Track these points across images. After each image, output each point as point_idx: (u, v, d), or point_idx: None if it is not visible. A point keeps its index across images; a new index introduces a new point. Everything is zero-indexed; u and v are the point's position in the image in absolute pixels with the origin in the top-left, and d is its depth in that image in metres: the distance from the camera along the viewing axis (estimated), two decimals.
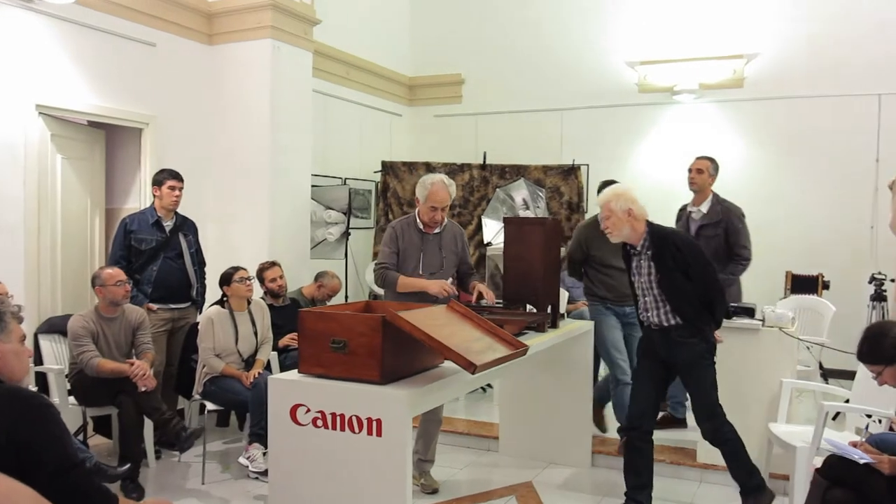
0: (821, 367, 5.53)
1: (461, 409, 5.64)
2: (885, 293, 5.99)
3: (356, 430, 2.70)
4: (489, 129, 8.26)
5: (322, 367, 2.81)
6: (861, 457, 2.84)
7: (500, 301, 4.26)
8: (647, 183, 7.01)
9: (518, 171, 7.56)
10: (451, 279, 4.17)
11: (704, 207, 4.98)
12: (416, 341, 2.68)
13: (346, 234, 6.77)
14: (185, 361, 4.83)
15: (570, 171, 7.44)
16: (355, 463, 2.71)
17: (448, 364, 2.91)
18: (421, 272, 4.06)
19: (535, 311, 4.13)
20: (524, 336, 3.79)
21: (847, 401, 4.28)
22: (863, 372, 4.06)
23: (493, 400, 5.66)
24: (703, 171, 4.98)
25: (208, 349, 4.52)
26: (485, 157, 7.69)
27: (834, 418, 4.84)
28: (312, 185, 6.52)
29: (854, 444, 2.96)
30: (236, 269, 4.68)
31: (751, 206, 7.11)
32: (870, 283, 6.16)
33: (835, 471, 2.93)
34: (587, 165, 7.47)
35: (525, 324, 3.78)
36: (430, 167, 7.61)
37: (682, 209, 5.16)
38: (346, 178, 7.36)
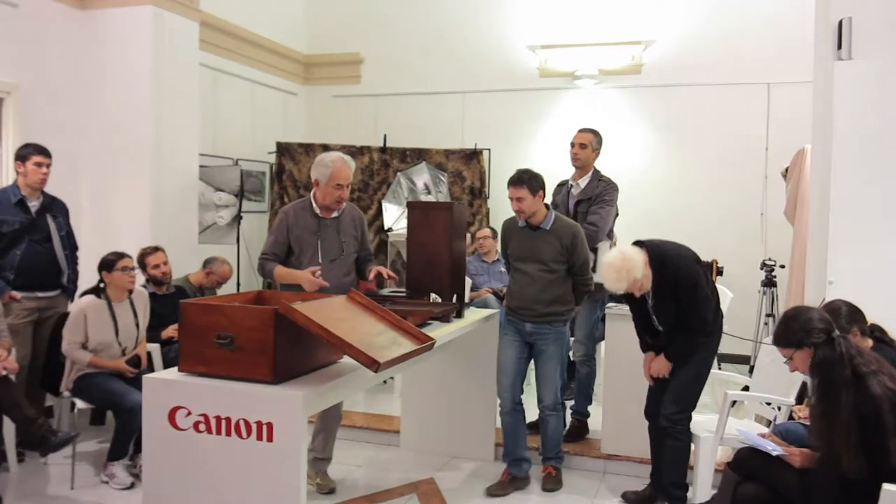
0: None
1: (360, 402, 5.39)
2: (775, 279, 6.14)
3: (244, 434, 2.43)
4: (389, 111, 7.98)
5: (205, 364, 2.52)
6: (774, 448, 2.80)
7: (403, 290, 4.04)
8: (548, 167, 6.84)
9: (419, 155, 7.35)
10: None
11: (583, 182, 4.67)
12: (313, 336, 2.42)
13: (237, 218, 6.37)
14: (53, 355, 4.37)
15: (473, 156, 7.29)
16: (243, 471, 2.44)
17: (348, 359, 2.66)
18: (320, 259, 3.78)
19: (440, 300, 3.94)
20: (428, 327, 3.59)
21: (746, 388, 4.33)
22: (764, 359, 4.10)
23: (394, 391, 5.45)
24: (586, 146, 4.66)
25: (74, 343, 4.06)
26: (385, 140, 7.43)
27: (731, 405, 4.89)
28: (201, 166, 6.09)
29: (763, 436, 2.93)
30: (120, 255, 4.18)
31: (648, 192, 7.29)
32: (761, 269, 6.30)
33: (746, 464, 2.89)
34: (489, 150, 7.34)
35: (431, 314, 3.58)
36: (327, 149, 7.22)
37: (562, 184, 4.84)
38: (237, 159, 6.95)
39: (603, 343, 5.49)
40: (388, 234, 6.92)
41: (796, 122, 6.55)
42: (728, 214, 7.08)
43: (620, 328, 4.42)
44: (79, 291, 4.53)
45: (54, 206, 4.53)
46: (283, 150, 7.26)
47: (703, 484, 3.74)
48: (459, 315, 3.92)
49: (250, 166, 7.14)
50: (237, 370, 2.47)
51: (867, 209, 3.86)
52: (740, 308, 5.87)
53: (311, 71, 8.31)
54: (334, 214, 3.86)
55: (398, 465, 4.47)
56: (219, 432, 2.45)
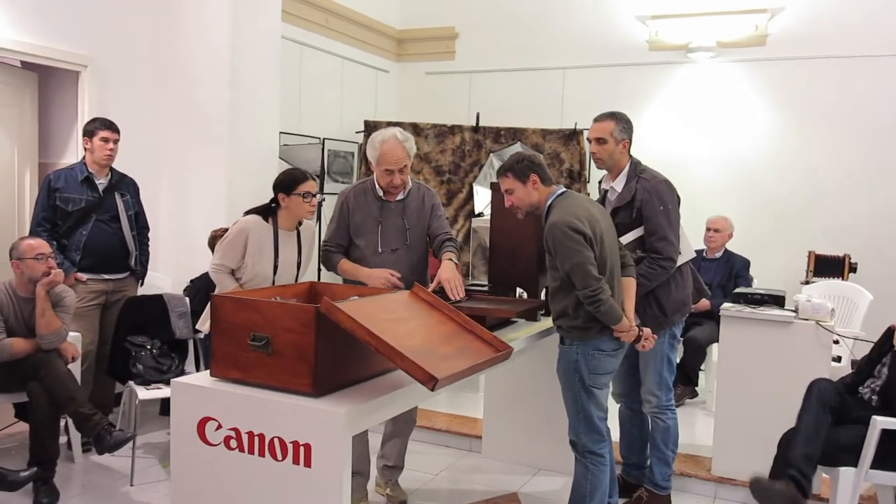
0: (853, 364, 4.86)
1: (442, 399, 4.96)
2: None
3: (279, 456, 2.03)
4: (483, 89, 7.50)
5: (239, 370, 2.14)
6: None
7: (484, 283, 3.58)
8: (658, 151, 6.27)
9: (514, 135, 6.84)
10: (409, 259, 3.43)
11: (619, 185, 3.47)
12: (362, 341, 1.99)
13: (319, 201, 6.06)
14: (119, 341, 4.16)
15: (572, 136, 6.72)
16: (277, 499, 2.05)
17: None
18: (380, 249, 3.34)
19: (525, 296, 3.45)
20: (511, 326, 3.12)
21: None
22: None
23: (478, 389, 4.99)
24: (605, 141, 3.41)
25: (225, 266, 3.32)
26: (478, 119, 6.95)
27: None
28: (283, 144, 5.81)
29: None
30: (304, 176, 3.39)
31: (773, 179, 6.55)
32: None
33: None
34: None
35: (514, 313, 3.10)
36: (417, 128, 6.89)
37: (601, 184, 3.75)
38: (324, 139, 6.64)
39: (715, 347, 4.91)
40: (475, 219, 6.46)
41: None
42: (866, 203, 6.22)
43: (736, 331, 3.86)
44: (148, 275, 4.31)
45: (123, 184, 4.31)
46: (371, 129, 6.90)
47: None
48: (548, 312, 3.40)
49: (337, 146, 6.84)
50: (274, 378, 2.08)
51: None
52: (878, 310, 5.08)
53: (403, 46, 7.93)
54: (399, 197, 3.40)
55: (478, 477, 4.03)
56: (251, 451, 2.07)
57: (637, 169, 3.47)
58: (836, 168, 6.33)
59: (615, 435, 3.55)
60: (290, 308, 2.08)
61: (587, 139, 3.61)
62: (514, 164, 3.05)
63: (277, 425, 2.03)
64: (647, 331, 3.05)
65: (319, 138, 6.57)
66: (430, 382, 1.89)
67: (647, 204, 3.36)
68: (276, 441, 2.03)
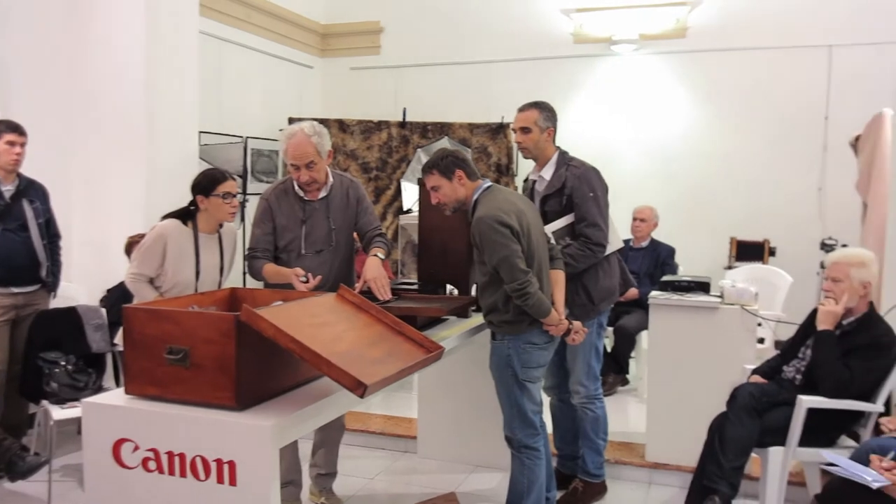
0: (776, 345, 5.00)
1: (376, 401, 4.89)
2: None
3: (201, 476, 1.93)
4: (410, 84, 7.42)
5: (156, 386, 2.02)
6: (875, 479, 2.23)
7: (413, 282, 3.52)
8: (584, 142, 6.31)
9: (441, 130, 6.80)
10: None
11: (547, 173, 3.47)
12: (286, 349, 1.91)
13: (242, 201, 5.89)
14: (31, 358, 3.92)
15: (499, 130, 6.72)
16: None
17: None
18: (304, 251, 3.22)
19: (456, 293, 3.40)
20: (441, 325, 3.07)
21: None
22: None
23: (412, 389, 4.93)
24: (529, 130, 3.42)
25: (142, 275, 3.15)
26: (404, 114, 6.89)
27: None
28: (203, 144, 5.61)
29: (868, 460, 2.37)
30: (224, 176, 3.25)
31: (693, 166, 6.68)
32: (821, 249, 5.70)
33: (839, 498, 2.33)
34: None
35: (444, 312, 3.04)
36: (343, 124, 6.79)
37: (526, 179, 3.72)
38: (247, 137, 6.45)
39: (645, 334, 4.97)
40: (403, 217, 6.39)
41: (862, 87, 5.94)
42: (781, 190, 6.43)
43: (664, 318, 3.91)
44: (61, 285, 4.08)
45: (32, 191, 4.06)
46: None
47: (771, 500, 3.19)
48: (479, 308, 3.37)
49: (261, 145, 6.65)
50: (193, 393, 1.97)
51: None
52: (797, 292, 5.26)
53: (327, 42, 7.79)
54: (322, 195, 3.27)
55: (415, 478, 3.97)
56: (171, 472, 1.95)
57: (566, 157, 3.49)
58: (753, 155, 6.52)
59: (549, 428, 3.55)
60: (208, 317, 1.98)
61: (512, 130, 3.60)
62: (438, 161, 3.02)
63: (199, 443, 1.93)
64: (577, 324, 3.05)
65: (242, 137, 6.38)
66: (359, 389, 1.82)
67: (577, 191, 3.38)
68: (199, 460, 1.92)
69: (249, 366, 1.95)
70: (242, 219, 5.99)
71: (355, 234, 3.43)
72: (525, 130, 3.45)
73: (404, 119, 6.86)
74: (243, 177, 5.91)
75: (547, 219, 3.33)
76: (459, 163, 3.01)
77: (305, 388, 2.15)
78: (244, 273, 5.82)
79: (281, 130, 6.67)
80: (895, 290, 3.58)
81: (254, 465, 1.88)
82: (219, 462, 1.90)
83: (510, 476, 3.13)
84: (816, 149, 6.38)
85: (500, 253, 2.82)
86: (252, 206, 6.08)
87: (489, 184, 3.06)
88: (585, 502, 3.60)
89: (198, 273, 3.23)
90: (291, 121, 6.74)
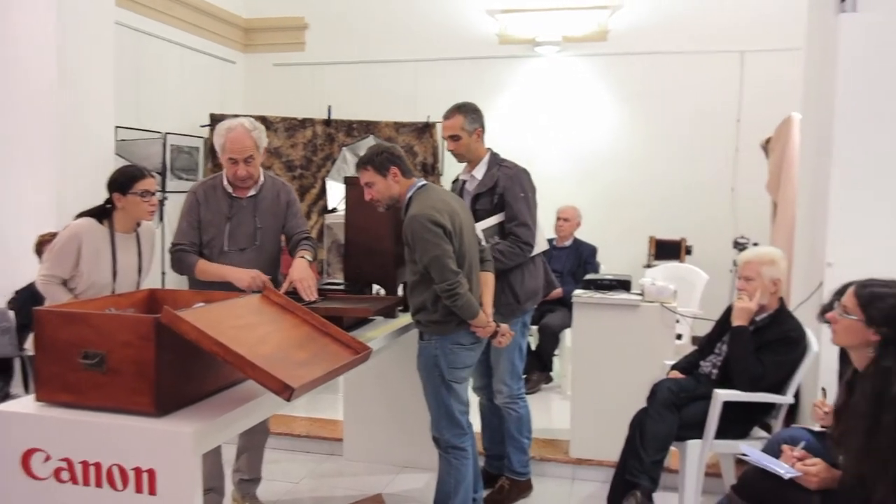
0: (693, 341, 5.17)
1: (301, 404, 4.81)
2: None
3: (119, 485, 1.85)
4: (335, 81, 7.34)
5: (69, 392, 1.93)
6: (787, 471, 2.32)
7: (340, 282, 3.48)
8: (508, 142, 6.37)
9: (367, 128, 6.76)
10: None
11: (479, 173, 3.54)
12: (209, 352, 1.85)
13: (161, 199, 5.71)
14: None
15: (425, 129, 6.73)
16: None
17: None
18: (226, 248, 3.15)
19: (383, 292, 3.39)
20: (369, 325, 3.05)
21: None
22: None
23: (338, 391, 4.88)
24: (458, 136, 3.47)
25: (54, 276, 3.01)
26: (329, 112, 6.82)
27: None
28: (120, 140, 5.41)
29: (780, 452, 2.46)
30: (142, 173, 3.09)
31: (614, 165, 6.84)
32: (734, 247, 5.92)
33: (754, 488, 2.41)
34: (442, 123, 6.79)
35: (371, 312, 3.02)
36: (266, 122, 6.64)
37: (456, 180, 3.76)
38: (166, 133, 6.26)
39: (568, 332, 5.06)
40: (329, 215, 6.32)
41: (770, 91, 6.19)
42: (696, 190, 6.65)
43: (587, 316, 3.99)
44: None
45: None
46: (217, 122, 6.53)
47: (689, 496, 3.29)
48: (406, 309, 3.36)
49: (181, 141, 6.48)
50: (110, 399, 1.89)
51: (871, 180, 3.41)
52: (712, 289, 5.46)
53: (250, 36, 7.63)
54: (251, 193, 3.22)
55: (341, 481, 3.93)
56: (86, 483, 1.87)
57: (497, 158, 3.56)
58: (670, 156, 6.71)
59: (476, 427, 3.57)
60: (125, 320, 1.90)
61: (443, 137, 3.61)
62: (373, 157, 2.99)
63: (116, 452, 1.85)
64: (504, 327, 3.08)
65: (161, 133, 6.20)
66: (286, 392, 1.78)
67: (509, 190, 3.44)
68: (116, 469, 1.85)
69: (170, 370, 1.89)
70: (161, 218, 5.81)
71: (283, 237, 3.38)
72: (454, 138, 3.50)
73: (329, 117, 6.79)
74: (162, 174, 5.74)
75: (477, 217, 3.37)
76: (395, 159, 2.98)
77: (229, 391, 2.09)
78: (163, 274, 5.65)
79: (203, 126, 6.61)
80: (804, 287, 3.74)
81: (174, 472, 1.82)
82: (137, 471, 1.83)
83: (437, 476, 3.13)
84: (729, 150, 6.62)
85: (432, 252, 2.82)
86: (172, 204, 5.95)
87: (423, 182, 3.05)
88: (511, 500, 3.63)
89: (115, 274, 3.10)
90: (213, 117, 6.58)
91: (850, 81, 3.41)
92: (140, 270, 3.23)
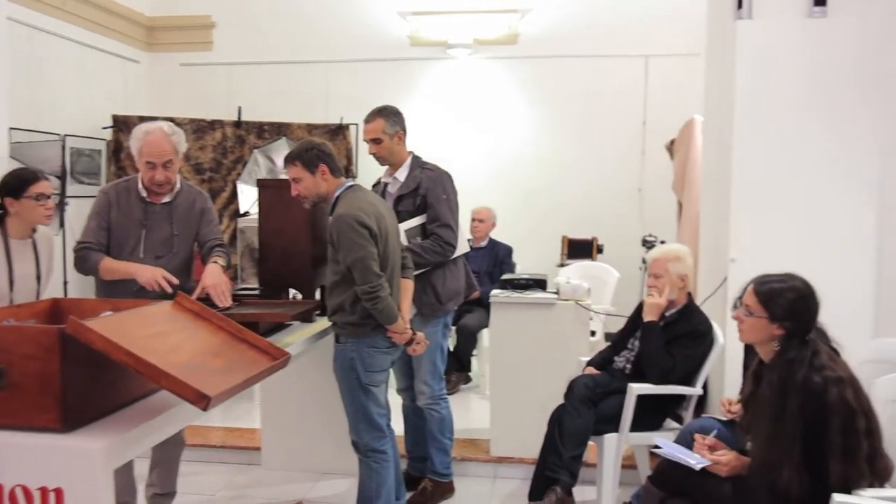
0: (606, 337, 5.31)
1: (216, 413, 4.68)
2: None
3: None
4: (245, 82, 7.17)
5: None
6: (698, 462, 2.41)
7: (255, 287, 3.40)
8: (422, 144, 6.36)
9: (279, 130, 6.64)
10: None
11: (401, 175, 3.56)
12: (119, 363, 1.77)
13: (60, 203, 5.45)
14: None
15: (339, 130, 6.67)
16: None
17: None
18: (142, 255, 3.05)
19: (300, 297, 3.33)
20: (286, 330, 2.99)
21: None
22: None
23: (254, 399, 4.77)
24: (380, 140, 3.48)
25: None
26: (240, 114, 6.66)
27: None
28: (15, 142, 5.12)
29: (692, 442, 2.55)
30: (35, 176, 2.96)
31: (526, 168, 6.95)
32: (642, 245, 6.10)
33: (669, 478, 2.49)
34: (356, 124, 6.74)
35: (288, 317, 2.97)
36: (173, 122, 6.43)
37: (377, 182, 3.75)
38: (65, 135, 5.97)
39: (486, 332, 5.11)
40: (241, 219, 6.18)
41: (674, 95, 6.42)
42: (606, 190, 6.83)
43: (505, 315, 4.04)
44: None
45: None
46: (120, 124, 6.33)
47: (607, 488, 3.37)
48: (324, 313, 3.32)
49: (82, 143, 6.19)
50: (11, 416, 1.78)
51: (768, 179, 3.58)
52: (623, 286, 5.63)
53: (154, 35, 7.36)
54: (166, 199, 3.14)
55: (260, 490, 3.84)
56: None
57: (419, 161, 3.59)
58: (580, 158, 6.86)
59: (400, 430, 3.57)
60: (27, 331, 1.80)
61: (364, 140, 3.61)
62: (302, 153, 2.95)
63: (19, 472, 1.74)
64: (420, 335, 3.09)
65: (59, 135, 5.90)
66: (202, 402, 1.73)
67: (432, 192, 3.47)
68: (19, 490, 1.74)
69: (76, 383, 1.80)
70: (62, 224, 5.55)
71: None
72: (376, 141, 3.50)
73: (239, 118, 6.64)
74: (62, 178, 5.47)
75: (399, 218, 3.37)
76: (325, 157, 2.95)
77: (141, 403, 2.00)
78: (66, 283, 5.41)
79: (105, 129, 6.34)
80: (709, 282, 3.89)
81: (84, 491, 1.73)
82: (43, 491, 1.73)
83: (359, 481, 3.10)
84: (636, 152, 6.83)
85: (356, 253, 2.80)
86: (72, 209, 5.69)
87: (352, 183, 3.04)
88: (434, 502, 3.64)
89: (11, 283, 2.94)
90: (116, 119, 6.34)
91: (748, 85, 3.57)
92: (39, 278, 3.07)
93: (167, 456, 3.27)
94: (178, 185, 3.17)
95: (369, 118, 3.52)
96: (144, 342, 1.83)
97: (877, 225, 3.58)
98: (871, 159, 3.55)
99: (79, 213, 5.99)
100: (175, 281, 2.93)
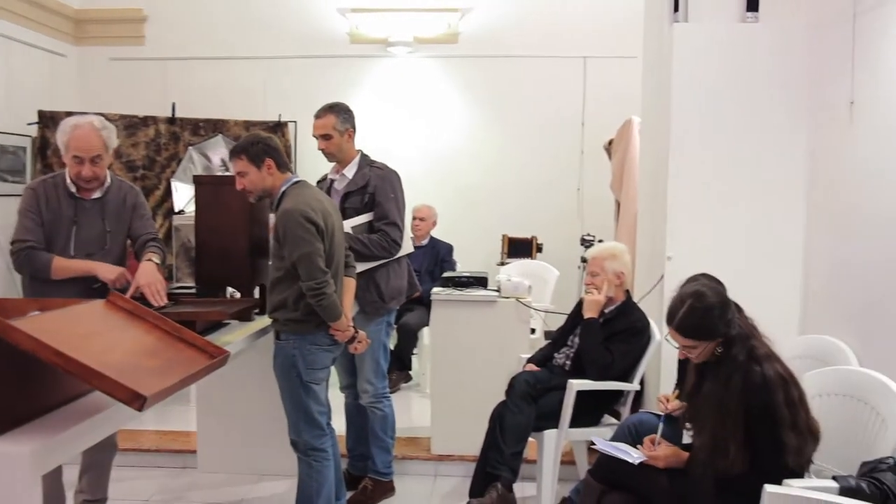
0: (546, 335, 5.36)
1: (149, 417, 4.54)
2: None
3: None
4: (179, 78, 6.99)
5: None
6: (638, 457, 2.46)
7: (189, 286, 3.32)
8: (362, 142, 6.35)
9: (215, 127, 6.48)
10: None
11: (349, 172, 3.55)
12: (48, 364, 1.70)
13: None
14: None
15: (277, 128, 6.55)
16: None
17: None
18: (73, 253, 2.94)
19: (238, 296, 3.26)
20: (223, 329, 2.92)
21: None
22: None
23: (189, 401, 4.65)
24: (330, 136, 3.48)
25: None
26: (174, 110, 6.48)
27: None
28: None
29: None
30: None
31: (466, 167, 6.98)
32: (581, 244, 6.19)
33: (607, 471, 2.53)
34: (295, 122, 6.65)
35: (226, 315, 2.90)
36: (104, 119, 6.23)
37: (323, 178, 3.74)
38: None
39: (426, 331, 5.11)
40: (177, 217, 6.02)
41: (612, 96, 6.53)
42: (545, 190, 6.90)
43: (446, 313, 4.04)
44: None
45: None
46: (46, 120, 6.09)
47: (547, 484, 3.40)
48: (263, 312, 3.26)
49: (5, 140, 5.94)
50: None
51: (704, 180, 3.68)
52: (562, 284, 5.70)
53: (83, 28, 7.11)
54: (97, 195, 3.03)
55: (196, 494, 3.76)
56: None
57: (367, 159, 3.60)
58: (521, 157, 6.93)
59: (341, 428, 3.53)
60: None
61: (314, 136, 3.57)
62: (248, 146, 2.92)
63: None
64: (361, 334, 3.07)
65: None
66: (137, 402, 1.67)
67: (380, 190, 3.48)
68: None
69: (2, 385, 1.71)
70: None
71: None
72: (326, 137, 3.48)
73: (173, 115, 6.46)
74: None
75: (346, 215, 3.37)
76: (271, 151, 2.93)
77: (73, 405, 1.92)
78: None
79: (31, 124, 6.09)
80: (647, 280, 3.97)
81: (10, 498, 1.65)
82: None
83: (298, 480, 3.06)
84: (575, 152, 6.92)
85: (303, 249, 2.77)
86: (1, 207, 5.45)
87: (299, 179, 3.01)
88: (375, 500, 3.61)
89: None
90: (42, 114, 6.10)
91: (684, 87, 3.67)
92: None
93: (98, 461, 3.16)
94: (108, 181, 3.07)
95: (320, 114, 3.50)
96: (75, 342, 1.76)
97: (805, 225, 3.71)
98: (800, 161, 3.68)
99: (4, 212, 5.75)
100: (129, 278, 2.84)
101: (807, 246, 3.72)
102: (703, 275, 2.66)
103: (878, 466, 2.21)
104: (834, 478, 2.22)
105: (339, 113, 3.50)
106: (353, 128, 3.57)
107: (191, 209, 5.86)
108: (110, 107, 6.58)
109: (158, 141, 6.36)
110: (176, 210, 6.11)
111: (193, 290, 3.28)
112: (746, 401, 2.30)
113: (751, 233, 3.68)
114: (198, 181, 3.42)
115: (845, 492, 2.13)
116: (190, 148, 6.30)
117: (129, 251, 3.21)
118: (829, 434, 2.46)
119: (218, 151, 6.30)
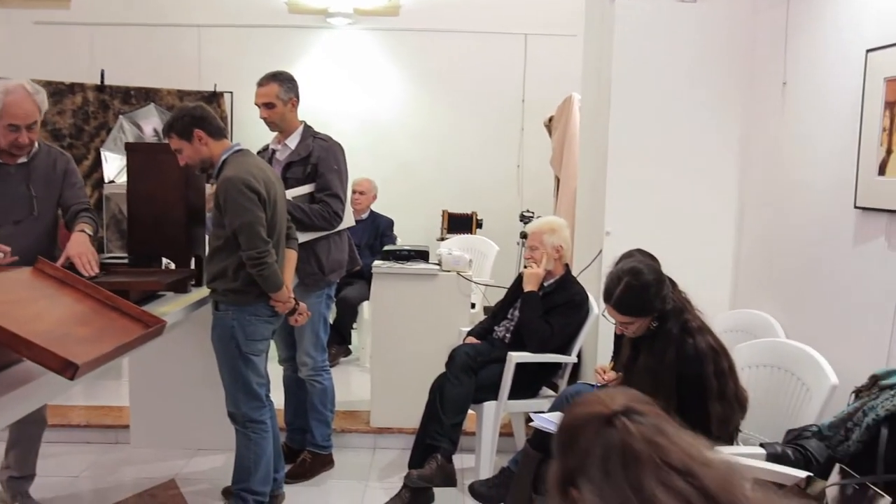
0: (485, 309, 5.41)
1: (78, 392, 4.41)
2: None
3: None
4: (109, 44, 6.72)
5: None
6: None
7: (121, 256, 3.22)
8: (301, 112, 6.27)
9: (147, 96, 6.29)
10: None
11: (292, 142, 3.49)
12: None
13: None
14: None
15: (212, 98, 6.39)
16: None
17: None
18: None
19: (173, 266, 3.18)
20: (159, 300, 2.85)
21: None
22: None
23: (121, 376, 4.53)
24: (273, 105, 3.40)
25: None
26: (102, 77, 6.25)
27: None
28: None
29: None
30: None
31: (406, 143, 6.95)
32: (520, 220, 6.24)
33: (546, 441, 2.57)
34: (231, 93, 6.51)
35: (161, 285, 2.82)
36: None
37: (265, 148, 3.63)
38: None
39: (366, 305, 5.08)
40: (108, 186, 5.82)
41: (553, 73, 6.57)
42: (485, 166, 6.94)
43: (386, 286, 4.02)
44: None
45: None
46: None
47: (486, 454, 3.45)
48: (199, 283, 3.19)
49: None
50: None
51: (642, 157, 3.74)
52: (501, 260, 5.74)
53: None
54: (22, 160, 2.90)
55: (130, 469, 3.67)
56: None
57: (311, 130, 3.54)
58: (461, 133, 6.94)
59: (280, 402, 3.50)
60: None
61: (256, 104, 3.48)
62: (174, 122, 2.84)
63: None
64: (302, 306, 3.04)
65: None
66: (69, 370, 1.61)
67: (324, 161, 3.43)
68: None
69: None
70: None
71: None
72: (269, 106, 3.41)
73: (102, 82, 6.23)
74: None
75: (287, 185, 3.30)
76: (198, 122, 2.83)
77: (1, 375, 1.85)
78: None
79: None
80: (586, 254, 4.03)
81: None
82: None
83: (236, 453, 3.02)
84: (515, 129, 6.96)
85: (244, 217, 2.71)
86: None
87: (240, 147, 2.93)
88: (314, 474, 3.60)
89: None
90: None
91: (624, 65, 3.71)
92: None
93: (26, 435, 3.05)
94: (35, 146, 2.94)
95: (263, 82, 3.43)
96: (1, 310, 1.69)
97: (738, 203, 3.82)
98: (734, 140, 3.78)
99: None
100: (6, 249, 2.69)
101: (739, 223, 3.84)
102: (638, 250, 2.72)
103: (803, 434, 2.30)
104: (761, 445, 2.32)
105: (282, 82, 3.43)
106: (297, 97, 3.51)
107: (122, 179, 5.69)
108: (34, 73, 6.27)
109: (86, 109, 6.13)
110: (106, 180, 5.90)
111: (126, 261, 3.17)
112: (679, 372, 2.37)
113: (686, 210, 3.77)
114: (130, 148, 3.31)
115: (772, 458, 2.22)
116: (121, 116, 6.10)
117: (61, 223, 3.09)
118: (757, 403, 2.55)
119: (150, 121, 6.10)
